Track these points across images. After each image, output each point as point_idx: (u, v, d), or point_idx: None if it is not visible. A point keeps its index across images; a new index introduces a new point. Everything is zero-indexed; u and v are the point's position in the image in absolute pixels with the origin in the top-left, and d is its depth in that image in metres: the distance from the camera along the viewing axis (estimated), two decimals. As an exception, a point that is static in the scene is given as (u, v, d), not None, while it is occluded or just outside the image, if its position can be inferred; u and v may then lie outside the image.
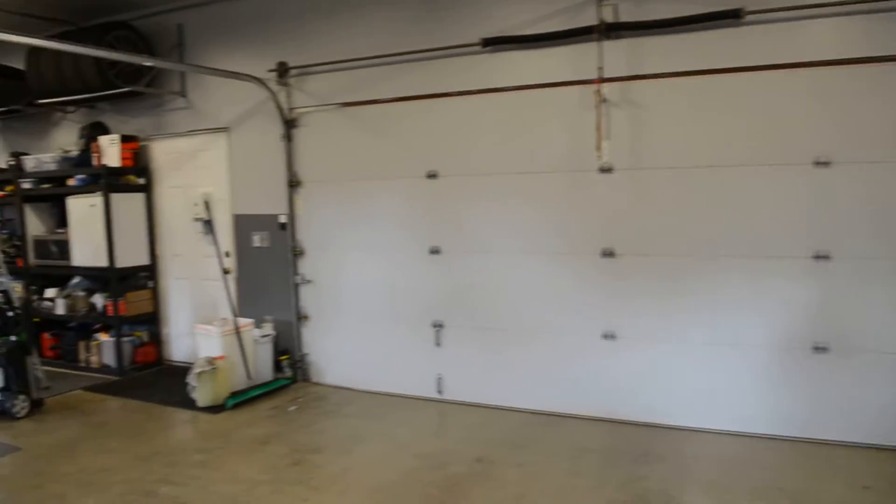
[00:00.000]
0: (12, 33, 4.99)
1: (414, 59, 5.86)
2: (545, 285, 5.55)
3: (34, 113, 8.11)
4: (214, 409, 5.84)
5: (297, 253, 6.57)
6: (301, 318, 6.63)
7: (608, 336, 5.33)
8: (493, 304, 5.74)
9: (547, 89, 5.42)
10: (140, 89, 6.93)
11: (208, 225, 6.76)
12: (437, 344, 5.97)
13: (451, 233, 5.85)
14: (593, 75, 5.16)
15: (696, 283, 5.04)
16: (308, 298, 6.60)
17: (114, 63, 6.72)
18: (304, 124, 6.47)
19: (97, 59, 6.63)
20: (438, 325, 5.95)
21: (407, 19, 5.89)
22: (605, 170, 5.24)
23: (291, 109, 6.49)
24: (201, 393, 5.88)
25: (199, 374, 5.85)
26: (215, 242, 6.72)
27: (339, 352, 6.49)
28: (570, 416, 5.45)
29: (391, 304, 6.17)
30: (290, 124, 6.50)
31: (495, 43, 5.54)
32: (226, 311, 6.58)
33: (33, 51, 7.19)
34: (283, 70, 6.45)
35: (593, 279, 5.37)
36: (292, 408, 5.90)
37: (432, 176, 5.88)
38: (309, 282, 6.55)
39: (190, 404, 5.95)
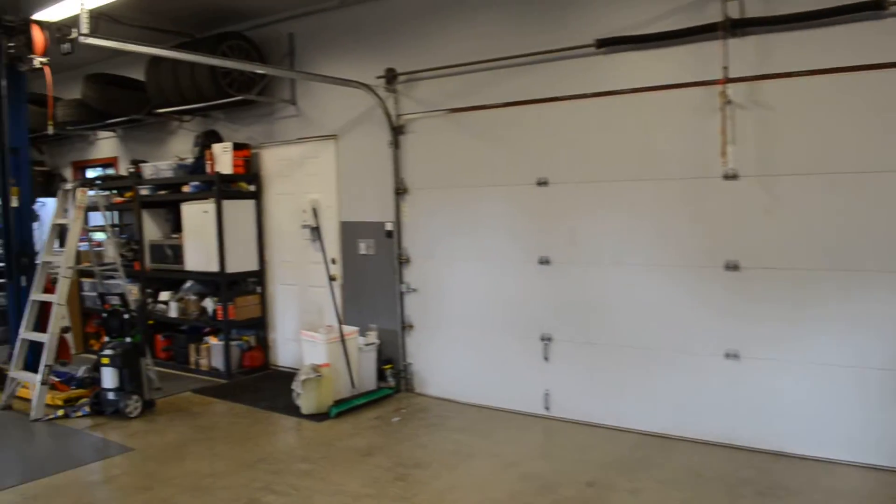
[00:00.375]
0: (137, 44, 5.16)
1: (523, 63, 5.67)
2: (662, 299, 5.20)
3: (153, 122, 8.42)
4: (318, 416, 5.81)
5: (403, 261, 6.49)
6: (406, 327, 6.53)
7: (731, 355, 4.94)
8: (606, 318, 5.44)
9: (666, 91, 5.10)
10: (252, 97, 7.04)
11: (316, 232, 6.78)
12: (545, 358, 5.73)
13: (561, 242, 5.61)
14: (717, 75, 4.81)
15: (833, 299, 4.57)
16: (413, 307, 6.50)
17: (227, 72, 6.87)
18: (412, 131, 6.39)
19: (212, 69, 6.78)
20: (547, 339, 5.71)
21: (516, 21, 5.71)
22: (730, 176, 4.86)
23: (399, 116, 6.43)
24: (306, 400, 5.86)
25: (304, 381, 5.83)
26: (322, 249, 6.72)
27: (443, 362, 6.35)
28: (685, 439, 5.09)
29: (497, 315, 5.98)
30: (397, 131, 6.43)
31: (610, 44, 5.26)
32: (331, 318, 6.56)
33: (153, 63, 7.46)
34: (391, 76, 6.40)
35: (715, 293, 4.98)
36: (395, 419, 5.79)
37: (542, 183, 5.66)
38: (414, 290, 6.45)
39: (294, 411, 5.94)
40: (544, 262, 5.68)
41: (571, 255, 5.56)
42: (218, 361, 7.37)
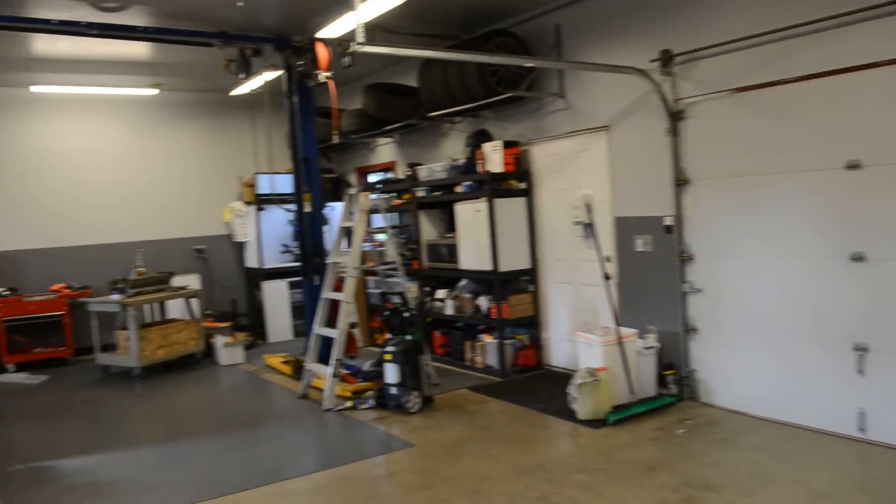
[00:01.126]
0: (407, 48, 5.27)
1: (824, 28, 4.86)
2: None
3: (426, 126, 8.70)
4: (595, 423, 5.51)
5: (685, 258, 5.95)
6: (688, 330, 5.99)
7: None
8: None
9: None
10: (520, 94, 6.93)
11: (589, 228, 6.48)
12: (859, 371, 4.87)
13: (880, 234, 4.72)
14: None
15: None
16: (697, 309, 5.93)
17: (495, 71, 6.84)
18: (691, 116, 5.83)
19: (480, 69, 6.80)
20: (861, 349, 4.85)
21: (819, -20, 4.92)
22: None
23: (676, 100, 5.90)
24: (582, 405, 5.60)
25: (581, 385, 5.57)
26: (596, 246, 6.41)
27: (732, 370, 5.71)
28: None
29: (796, 319, 5.22)
30: (675, 117, 5.91)
31: (947, -9, 4.32)
32: (606, 319, 6.24)
33: (424, 68, 7.69)
34: (666, 58, 5.89)
35: None
36: (680, 431, 5.30)
37: (853, 166, 4.81)
38: (698, 290, 5.89)
39: (569, 415, 5.71)
40: (857, 258, 4.83)
41: (894, 249, 4.67)
42: (492, 359, 7.38)
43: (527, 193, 7.42)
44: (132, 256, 9.15)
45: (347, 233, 7.06)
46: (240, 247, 10.79)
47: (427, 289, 8.30)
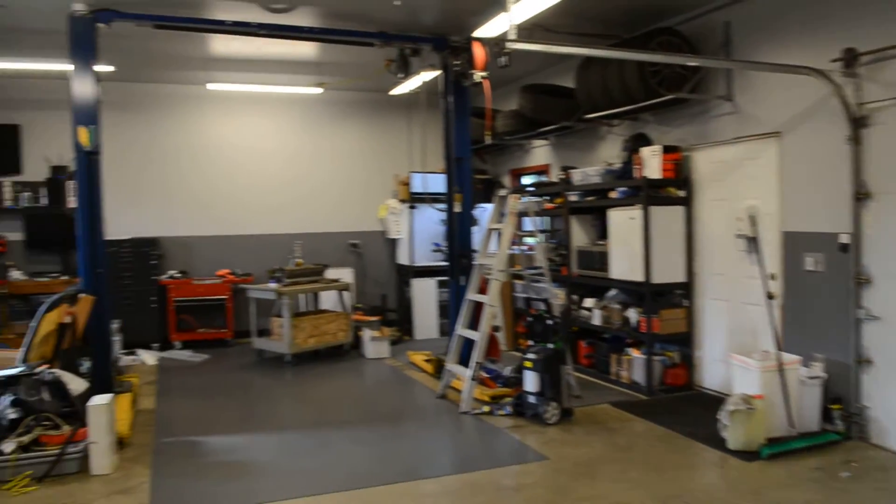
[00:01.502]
0: (562, 45, 5.09)
1: None
2: None
3: (583, 128, 8.43)
4: (746, 454, 5.06)
5: (862, 281, 5.33)
6: (861, 361, 5.35)
7: None
8: None
9: None
10: (683, 96, 6.54)
11: (752, 242, 5.99)
12: None
13: None
14: None
15: None
16: (872, 338, 5.30)
17: (656, 71, 6.49)
18: (877, 122, 5.21)
19: (640, 69, 6.49)
20: None
21: None
22: None
23: (860, 105, 5.30)
24: (732, 434, 5.16)
25: (733, 412, 5.14)
26: (759, 262, 5.91)
27: (912, 410, 5.06)
28: None
29: None
30: (857, 123, 5.32)
31: None
32: (766, 342, 5.73)
33: (582, 68, 7.46)
34: (850, 58, 5.31)
35: None
36: (845, 474, 4.74)
37: None
38: (875, 318, 5.24)
39: (718, 443, 5.29)
40: None
41: None
42: (639, 375, 7.02)
43: (685, 202, 6.99)
44: (291, 247, 9.56)
45: (496, 235, 6.96)
46: (393, 243, 11.01)
47: (575, 297, 8.04)
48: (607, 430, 5.81)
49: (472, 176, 7.79)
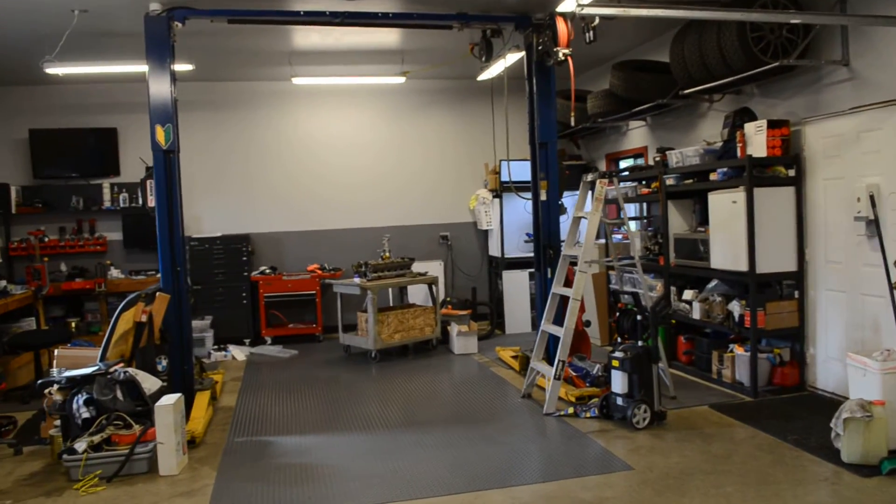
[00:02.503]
0: (639, 7, 4.58)
1: None
2: None
3: (681, 106, 7.79)
4: (863, 469, 4.41)
5: None
6: None
7: None
8: None
9: None
10: (791, 62, 5.83)
11: (873, 225, 5.27)
12: None
13: None
14: None
15: None
16: None
17: (759, 37, 5.83)
18: None
19: (741, 36, 5.85)
20: None
21: None
22: None
23: None
24: (848, 444, 4.51)
25: (847, 420, 4.48)
26: (882, 248, 5.18)
27: None
28: None
29: None
30: None
31: None
32: (890, 340, 5.01)
33: (676, 40, 6.86)
34: None
35: None
36: None
37: None
38: None
39: (831, 455, 4.64)
40: None
41: None
42: (742, 374, 6.37)
43: (795, 182, 6.26)
44: (381, 241, 9.40)
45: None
46: (484, 235, 10.66)
47: (673, 288, 7.43)
48: (703, 437, 5.25)
49: (560, 162, 7.33)
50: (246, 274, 9.51)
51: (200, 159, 9.85)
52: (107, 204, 9.40)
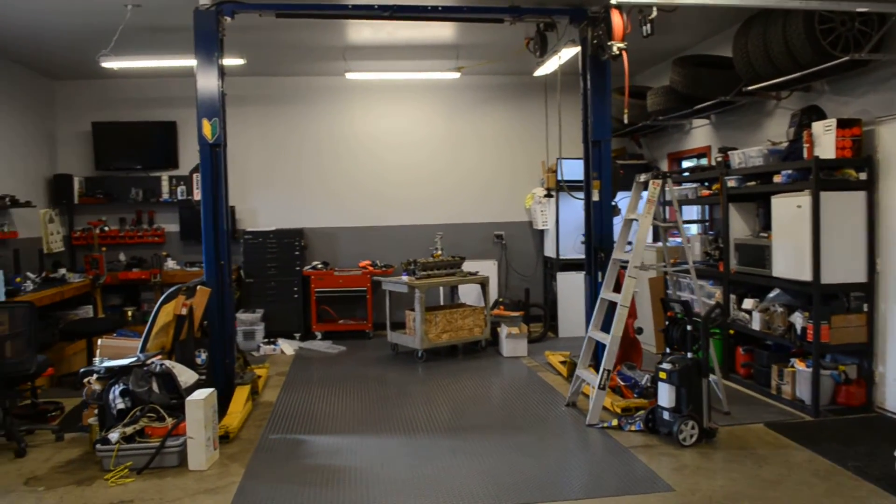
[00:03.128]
0: None
1: None
2: None
3: (746, 103, 7.38)
4: (932, 504, 4.03)
5: None
6: None
7: None
8: None
9: None
10: (863, 56, 5.42)
11: (949, 235, 4.83)
12: None
13: None
14: None
15: None
16: None
17: (829, 29, 5.42)
18: None
19: (808, 28, 5.46)
20: None
21: None
22: None
23: None
24: (913, 475, 4.13)
25: (911, 448, 4.11)
26: (957, 261, 4.75)
27: None
28: None
29: None
30: None
31: None
32: (966, 361, 4.57)
33: (740, 33, 6.49)
34: None
35: None
36: None
37: None
38: None
39: (895, 486, 4.26)
40: None
41: None
42: (803, 391, 5.96)
43: (867, 186, 5.81)
44: (433, 239, 9.25)
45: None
46: (540, 235, 10.41)
47: (733, 296, 7.04)
48: (755, 458, 4.91)
49: (614, 161, 7.04)
50: (298, 268, 9.51)
51: (256, 154, 9.93)
52: (165, 196, 9.56)
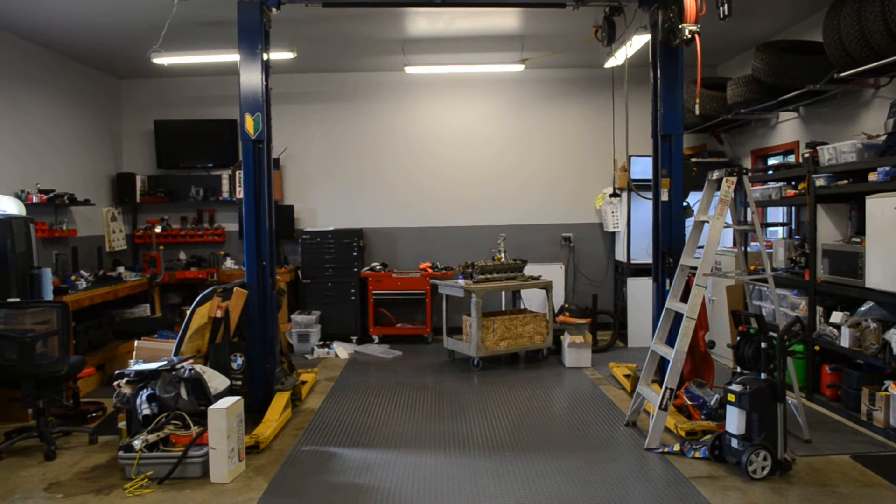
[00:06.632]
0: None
1: None
2: None
3: (838, 92, 6.61)
4: None
5: None
6: None
7: None
8: None
9: None
10: (977, 36, 4.66)
11: None
12: None
13: None
14: None
15: None
16: None
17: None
18: None
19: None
20: None
21: None
22: None
23: None
24: None
25: None
26: None
27: None
28: None
29: None
30: None
31: None
32: None
33: (831, 14, 5.77)
34: None
35: None
36: None
37: None
38: None
39: None
40: None
41: None
42: (900, 420, 5.23)
43: (982, 185, 5.04)
44: (496, 241, 8.81)
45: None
46: (611, 237, 9.80)
47: (820, 309, 6.30)
48: (836, 498, 4.26)
49: (687, 158, 6.42)
50: (356, 269, 9.23)
51: (315, 152, 9.75)
52: (224, 195, 9.46)
